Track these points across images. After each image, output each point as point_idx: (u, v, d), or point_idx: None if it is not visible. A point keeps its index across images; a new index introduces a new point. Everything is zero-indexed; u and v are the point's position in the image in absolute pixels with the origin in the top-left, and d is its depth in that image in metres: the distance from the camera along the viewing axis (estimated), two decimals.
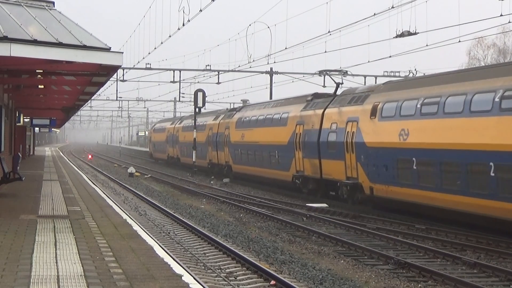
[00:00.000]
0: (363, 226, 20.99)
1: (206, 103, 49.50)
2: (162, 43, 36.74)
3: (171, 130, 62.35)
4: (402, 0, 26.86)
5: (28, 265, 9.21)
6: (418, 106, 21.48)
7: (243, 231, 19.83)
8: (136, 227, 13.80)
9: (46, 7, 15.19)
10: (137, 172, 48.03)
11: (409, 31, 29.91)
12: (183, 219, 21.51)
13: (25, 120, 43.51)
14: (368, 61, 38.74)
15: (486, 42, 65.93)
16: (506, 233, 18.06)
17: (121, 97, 77.40)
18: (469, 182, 18.78)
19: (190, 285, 8.32)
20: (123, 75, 53.60)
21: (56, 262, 9.45)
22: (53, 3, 15.55)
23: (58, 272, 8.76)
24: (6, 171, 21.09)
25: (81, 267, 9.10)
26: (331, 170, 27.62)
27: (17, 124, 36.84)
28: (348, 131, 25.98)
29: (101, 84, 21.64)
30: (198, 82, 57.04)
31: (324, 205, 26.91)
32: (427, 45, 31.99)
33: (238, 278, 13.16)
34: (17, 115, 36.31)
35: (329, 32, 31.87)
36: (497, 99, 17.95)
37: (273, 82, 54.49)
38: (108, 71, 16.35)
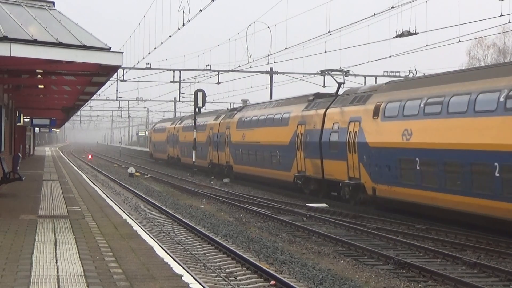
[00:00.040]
0: (363, 226, 20.99)
1: (206, 103, 49.52)
2: (162, 43, 36.76)
3: (171, 130, 62.33)
4: (402, 0, 26.87)
5: (28, 265, 9.21)
6: (422, 106, 21.35)
7: (243, 231, 19.83)
8: (136, 227, 13.80)
9: (46, 7, 15.19)
10: (137, 172, 48.02)
11: (409, 31, 29.89)
12: (183, 219, 21.50)
13: (25, 120, 43.48)
14: (368, 61, 38.77)
15: (486, 42, 65.98)
16: (506, 233, 18.04)
17: (121, 97, 77.40)
18: (474, 182, 18.67)
19: (190, 285, 8.32)
20: (123, 75, 53.64)
21: (56, 262, 9.45)
22: (53, 3, 15.55)
23: (58, 272, 8.76)
24: (6, 171, 21.09)
25: (81, 267, 9.10)
26: (333, 170, 27.54)
27: (17, 124, 36.82)
28: (350, 131, 25.88)
29: (101, 84, 21.64)
30: (198, 82, 57.07)
31: (324, 205, 26.88)
32: (427, 45, 31.98)
33: (238, 278, 13.16)
34: (17, 115, 36.29)
35: (329, 32, 31.87)
36: (502, 99, 17.82)
37: (273, 82, 54.49)
38: (108, 71, 16.35)
